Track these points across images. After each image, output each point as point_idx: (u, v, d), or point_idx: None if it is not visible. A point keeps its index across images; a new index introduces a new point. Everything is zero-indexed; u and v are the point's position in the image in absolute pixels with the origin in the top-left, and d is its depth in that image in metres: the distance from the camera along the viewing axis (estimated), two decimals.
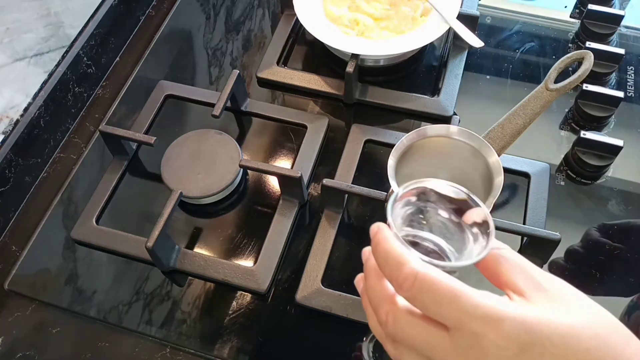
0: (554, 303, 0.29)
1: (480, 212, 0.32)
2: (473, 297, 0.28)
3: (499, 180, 0.50)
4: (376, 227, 0.31)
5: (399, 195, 0.32)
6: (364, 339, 0.50)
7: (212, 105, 0.64)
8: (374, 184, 0.59)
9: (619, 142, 0.61)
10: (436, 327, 0.29)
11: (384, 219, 0.32)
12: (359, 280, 0.36)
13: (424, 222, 0.35)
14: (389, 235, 0.31)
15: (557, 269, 0.56)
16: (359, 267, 0.35)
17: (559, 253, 0.56)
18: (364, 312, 0.34)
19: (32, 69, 0.69)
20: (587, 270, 0.56)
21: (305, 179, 0.61)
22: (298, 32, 0.77)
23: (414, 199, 0.34)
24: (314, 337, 0.54)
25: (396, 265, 0.29)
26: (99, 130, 0.64)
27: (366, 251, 0.33)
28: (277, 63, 0.73)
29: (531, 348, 0.27)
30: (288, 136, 0.67)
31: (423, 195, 0.34)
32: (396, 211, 0.33)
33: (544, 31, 0.76)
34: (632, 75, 0.71)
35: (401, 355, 0.31)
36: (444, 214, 0.34)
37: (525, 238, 0.57)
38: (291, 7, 0.72)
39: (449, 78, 0.69)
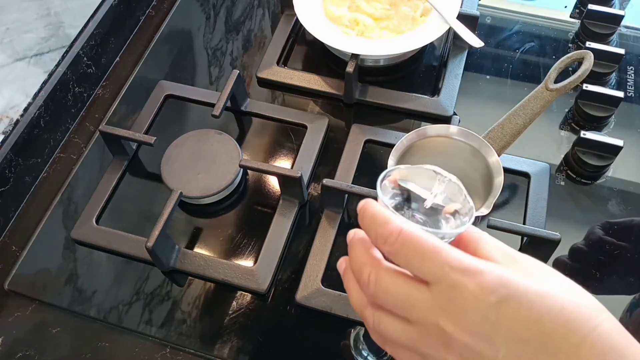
0: (530, 274, 0.30)
1: (461, 202, 0.33)
2: (454, 253, 0.29)
3: (499, 180, 0.50)
4: (364, 201, 0.33)
5: (388, 175, 0.34)
6: (352, 329, 0.51)
7: (212, 105, 0.64)
8: (374, 184, 0.58)
9: (619, 142, 0.61)
10: (417, 282, 0.30)
11: None
12: (341, 262, 0.36)
13: (408, 216, 0.35)
14: (376, 203, 0.32)
15: (561, 267, 0.56)
16: None
17: (562, 252, 0.56)
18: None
19: (32, 69, 0.69)
20: (591, 268, 0.56)
21: (305, 179, 0.61)
22: (298, 32, 0.77)
23: (397, 191, 0.35)
24: (314, 337, 0.54)
25: (382, 223, 0.30)
26: (99, 130, 0.64)
27: (351, 232, 0.34)
28: (277, 63, 0.73)
29: (508, 300, 0.28)
30: (288, 136, 0.67)
31: (405, 188, 0.35)
32: (384, 196, 0.34)
33: (544, 31, 0.76)
34: (632, 75, 0.71)
35: (379, 321, 0.32)
36: (422, 208, 0.35)
37: (525, 238, 0.57)
38: (291, 7, 0.72)
39: (449, 78, 0.69)
